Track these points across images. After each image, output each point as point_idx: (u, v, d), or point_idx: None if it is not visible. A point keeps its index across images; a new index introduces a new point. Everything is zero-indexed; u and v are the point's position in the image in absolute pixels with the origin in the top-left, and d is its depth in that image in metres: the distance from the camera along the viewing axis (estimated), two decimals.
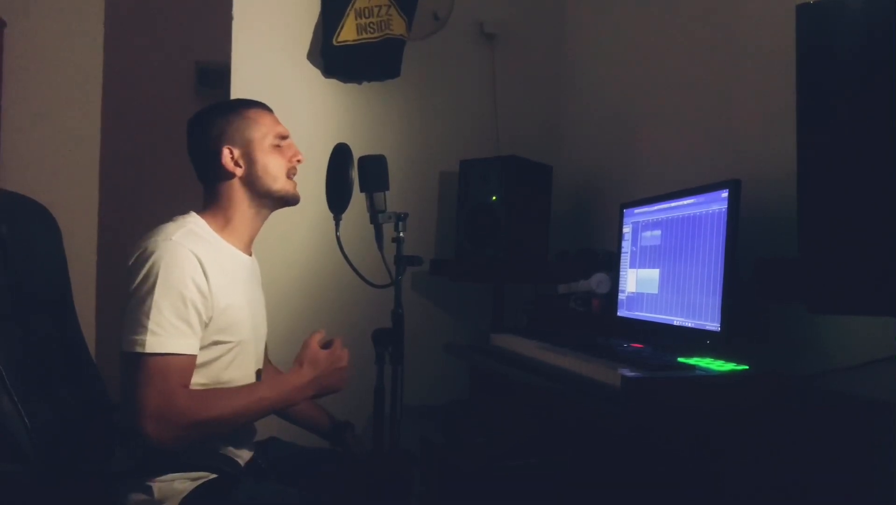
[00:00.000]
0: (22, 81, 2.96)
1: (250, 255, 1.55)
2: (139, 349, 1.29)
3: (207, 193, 1.51)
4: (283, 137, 1.52)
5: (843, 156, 1.05)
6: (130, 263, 1.36)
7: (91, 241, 3.11)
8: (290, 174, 1.52)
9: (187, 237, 1.39)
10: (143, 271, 1.32)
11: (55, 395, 1.44)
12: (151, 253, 1.34)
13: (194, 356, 1.35)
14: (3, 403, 1.28)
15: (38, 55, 3.00)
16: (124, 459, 1.40)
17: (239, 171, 1.47)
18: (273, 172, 1.49)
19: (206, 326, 1.37)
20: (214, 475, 1.38)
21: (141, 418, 1.27)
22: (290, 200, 1.53)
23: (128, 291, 1.34)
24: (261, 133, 1.49)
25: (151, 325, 1.29)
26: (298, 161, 1.53)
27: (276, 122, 1.54)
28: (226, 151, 1.46)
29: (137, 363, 1.29)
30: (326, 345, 1.48)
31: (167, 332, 1.30)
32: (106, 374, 1.61)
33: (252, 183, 1.48)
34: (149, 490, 1.33)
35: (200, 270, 1.36)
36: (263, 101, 1.57)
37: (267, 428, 1.61)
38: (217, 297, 1.38)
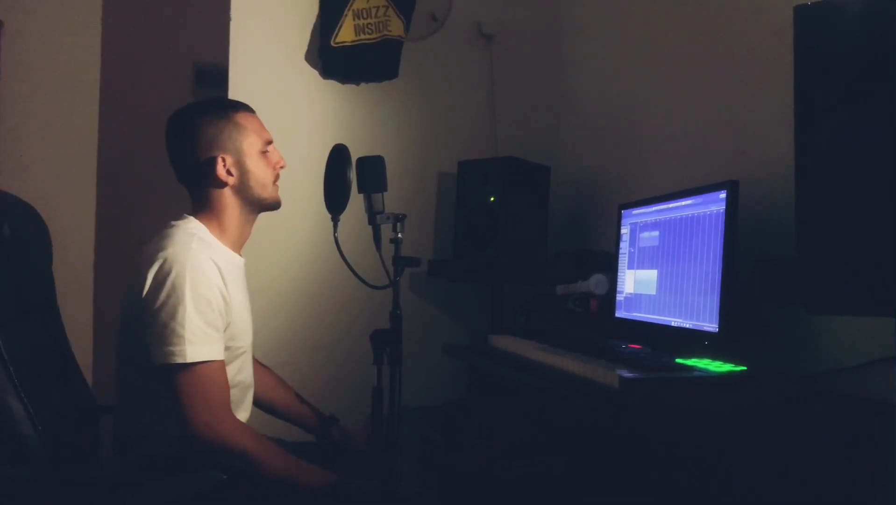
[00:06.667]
0: (19, 81, 2.94)
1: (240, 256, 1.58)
2: (179, 360, 1.31)
3: (197, 198, 1.52)
4: (269, 143, 1.55)
5: (841, 156, 1.05)
6: (151, 275, 1.35)
7: (88, 242, 3.09)
8: (274, 181, 1.55)
9: (202, 245, 1.41)
10: (170, 283, 1.34)
11: (52, 397, 1.44)
12: (173, 263, 1.35)
13: (224, 361, 1.40)
14: (14, 405, 1.28)
15: (35, 55, 2.98)
16: (123, 461, 1.40)
17: (231, 181, 1.49)
18: (262, 181, 1.51)
19: (224, 331, 1.41)
20: (213, 478, 1.37)
21: (191, 425, 1.32)
22: (274, 206, 1.57)
23: (150, 303, 1.34)
24: (249, 141, 1.50)
25: (188, 334, 1.32)
26: (281, 167, 1.57)
27: (262, 126, 1.55)
28: (220, 161, 1.47)
29: (178, 374, 1.32)
30: None
31: (201, 340, 1.33)
32: (104, 375, 1.60)
33: (243, 192, 1.50)
34: (149, 492, 1.33)
35: (220, 277, 1.40)
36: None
37: (257, 426, 1.60)
38: (233, 303, 1.43)
